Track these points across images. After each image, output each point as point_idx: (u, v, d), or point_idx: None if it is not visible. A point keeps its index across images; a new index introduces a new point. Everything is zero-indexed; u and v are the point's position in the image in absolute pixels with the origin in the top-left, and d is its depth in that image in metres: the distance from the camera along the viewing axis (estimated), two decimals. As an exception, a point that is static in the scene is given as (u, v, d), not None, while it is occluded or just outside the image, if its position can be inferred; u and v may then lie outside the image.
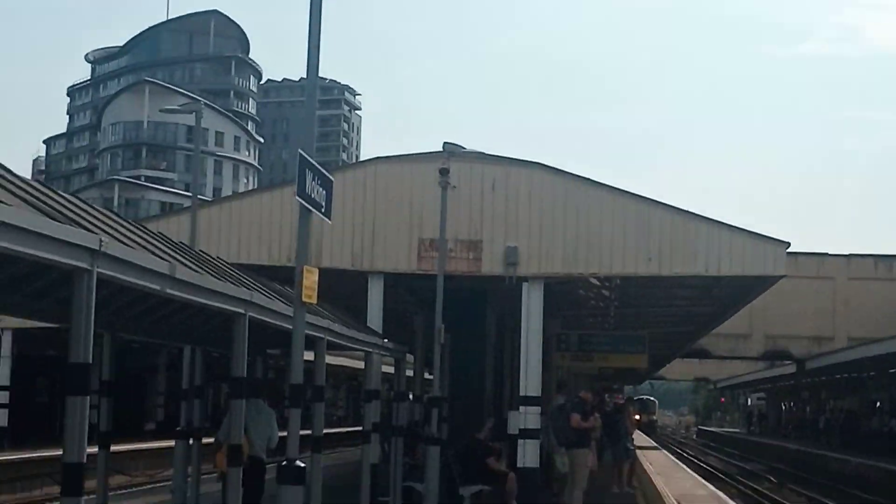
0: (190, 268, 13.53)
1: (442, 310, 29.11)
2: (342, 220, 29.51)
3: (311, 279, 13.77)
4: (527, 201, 29.83)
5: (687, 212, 29.72)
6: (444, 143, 28.12)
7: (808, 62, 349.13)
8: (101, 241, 10.11)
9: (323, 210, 13.96)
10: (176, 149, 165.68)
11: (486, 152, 29.71)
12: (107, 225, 12.59)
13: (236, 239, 30.11)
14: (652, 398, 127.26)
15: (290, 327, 14.82)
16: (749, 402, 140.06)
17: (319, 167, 13.87)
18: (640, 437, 55.44)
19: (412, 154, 30.45)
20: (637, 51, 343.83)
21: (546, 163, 30.20)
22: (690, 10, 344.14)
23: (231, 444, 15.17)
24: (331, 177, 14.43)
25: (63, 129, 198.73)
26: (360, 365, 27.67)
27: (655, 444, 66.22)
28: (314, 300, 14.06)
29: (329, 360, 56.27)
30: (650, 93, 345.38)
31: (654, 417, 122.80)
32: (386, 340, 26.18)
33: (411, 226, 29.91)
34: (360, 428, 27.24)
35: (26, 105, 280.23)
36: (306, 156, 13.22)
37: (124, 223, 14.82)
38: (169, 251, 14.63)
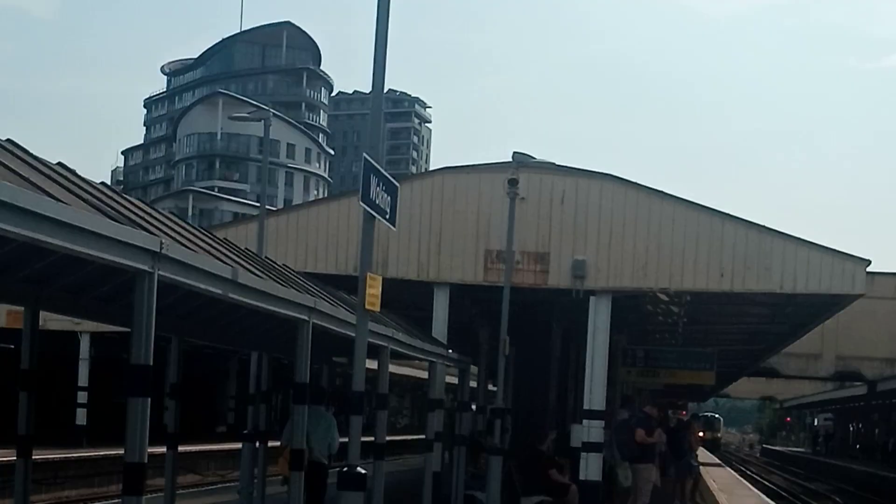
0: (253, 273, 13.42)
1: (507, 322, 28.92)
2: (409, 230, 29.41)
3: (374, 287, 13.60)
4: (596, 213, 29.50)
5: (761, 226, 29.22)
6: (514, 153, 27.90)
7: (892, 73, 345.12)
8: (161, 243, 10.00)
9: (388, 216, 13.78)
10: (249, 160, 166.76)
11: (556, 163, 29.34)
12: (170, 228, 12.51)
13: (303, 247, 30.03)
14: (717, 415, 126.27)
15: (354, 335, 14.67)
16: (816, 423, 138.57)
17: (384, 172, 13.70)
18: (703, 454, 54.87)
19: (480, 164, 30.19)
20: (717, 64, 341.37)
21: (617, 174, 29.85)
22: (773, 22, 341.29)
23: (293, 448, 15.08)
24: (396, 183, 14.27)
25: (140, 141, 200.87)
26: (426, 375, 27.54)
27: (719, 461, 65.50)
28: (377, 308, 13.90)
29: (395, 369, 56.40)
30: (731, 107, 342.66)
31: (719, 435, 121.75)
32: (450, 351, 26.03)
33: (478, 237, 29.68)
34: (423, 436, 27.10)
35: (105, 117, 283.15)
36: (371, 160, 13.04)
37: (188, 227, 14.77)
38: (233, 256, 14.52)
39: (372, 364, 16.64)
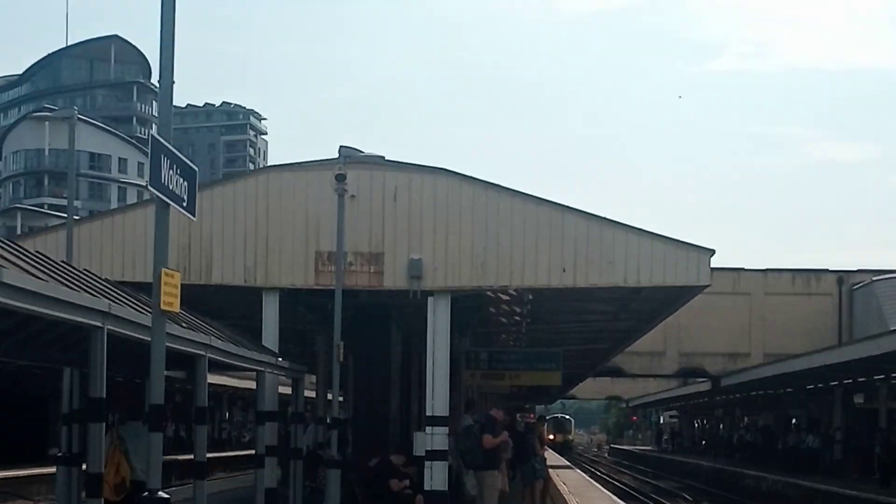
0: (33, 276, 11.68)
1: (343, 327, 27.47)
2: (234, 234, 27.88)
3: (171, 284, 11.85)
4: (431, 210, 28.07)
5: (603, 218, 28.09)
6: (340, 146, 26.33)
7: (719, 77, 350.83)
8: None
9: (184, 204, 12.08)
10: (80, 176, 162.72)
11: (386, 158, 27.77)
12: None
13: (119, 255, 28.02)
14: (567, 416, 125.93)
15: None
16: (661, 420, 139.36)
17: (179, 154, 11.99)
18: (553, 457, 53.85)
19: (307, 162, 28.54)
20: (548, 66, 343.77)
21: (451, 168, 28.44)
22: (610, 26, 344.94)
23: (90, 472, 13.27)
24: (194, 167, 12.57)
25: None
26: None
27: (568, 463, 64.75)
28: (176, 308, 12.17)
29: (238, 382, 54.49)
30: (563, 108, 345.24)
31: (571, 437, 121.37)
32: (280, 360, 24.38)
33: (308, 238, 28.08)
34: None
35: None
36: (162, 140, 11.35)
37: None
38: (16, 261, 12.75)
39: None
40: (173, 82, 11.71)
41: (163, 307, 11.74)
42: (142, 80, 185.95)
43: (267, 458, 23.72)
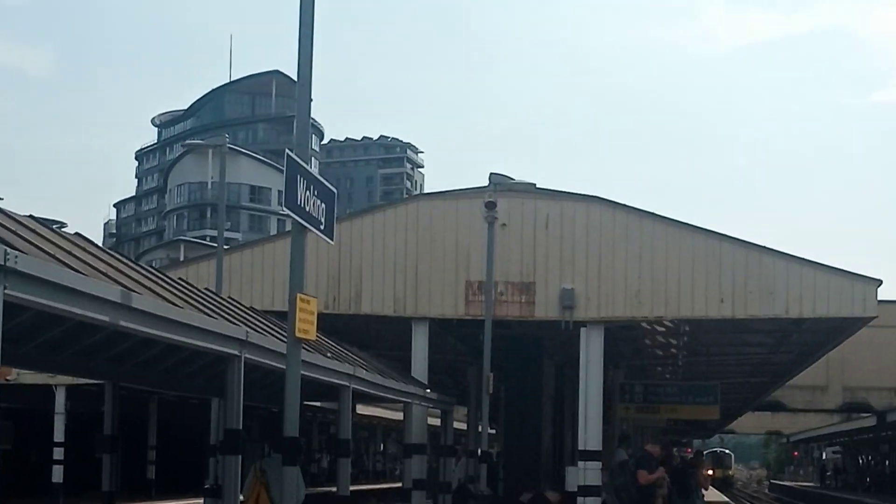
0: (171, 304, 11.37)
1: (494, 358, 26.98)
2: (383, 262, 27.54)
3: (307, 311, 11.42)
4: (583, 239, 27.48)
5: (762, 247, 27.18)
6: (490, 174, 25.90)
7: (885, 107, 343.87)
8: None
9: (322, 227, 11.64)
10: (240, 208, 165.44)
11: (537, 185, 27.23)
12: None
13: (269, 283, 27.86)
14: (727, 451, 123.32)
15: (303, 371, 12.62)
16: (824, 456, 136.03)
17: (317, 175, 11.57)
18: (711, 493, 52.50)
19: (458, 190, 28.14)
20: (705, 98, 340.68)
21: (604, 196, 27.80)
22: (768, 57, 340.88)
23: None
24: (332, 189, 12.15)
25: (132, 193, 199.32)
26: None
27: (728, 500, 63.15)
28: (312, 335, 11.73)
29: (388, 413, 54.05)
30: (722, 140, 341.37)
31: (730, 472, 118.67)
32: (428, 391, 23.91)
33: (458, 267, 27.66)
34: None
35: (98, 171, 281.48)
36: (296, 158, 10.92)
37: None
38: (149, 284, 12.47)
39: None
40: (311, 100, 11.31)
41: (298, 334, 11.31)
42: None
43: (414, 491, 23.22)
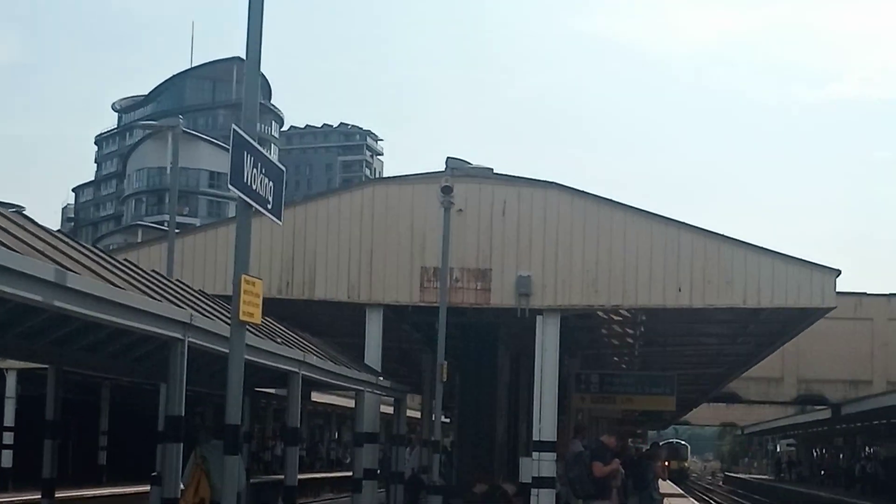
0: (112, 284, 10.94)
1: (448, 346, 26.62)
2: (338, 248, 27.13)
3: (252, 292, 11.00)
4: (541, 225, 27.10)
5: (721, 235, 26.90)
6: (447, 158, 25.51)
7: (838, 104, 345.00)
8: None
9: (269, 206, 11.21)
10: (199, 194, 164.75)
11: (495, 171, 26.86)
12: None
13: (220, 269, 27.31)
14: (683, 442, 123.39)
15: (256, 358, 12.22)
16: (778, 449, 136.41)
17: (264, 152, 11.14)
18: (665, 484, 52.42)
19: (414, 175, 27.72)
20: (664, 100, 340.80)
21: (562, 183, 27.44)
22: (716, 57, 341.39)
23: (164, 496, 12.44)
24: (281, 167, 11.72)
25: (91, 178, 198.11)
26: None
27: (681, 492, 63.10)
28: (257, 319, 11.30)
29: (345, 401, 53.51)
30: (681, 135, 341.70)
31: (686, 463, 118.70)
32: (381, 378, 23.52)
33: (413, 253, 27.26)
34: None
35: (57, 156, 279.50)
36: (244, 134, 10.50)
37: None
38: (91, 265, 12.02)
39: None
40: (260, 74, 10.86)
41: (242, 317, 10.88)
42: (262, 101, 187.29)
43: (365, 481, 22.81)
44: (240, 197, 10.76)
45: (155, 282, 14.43)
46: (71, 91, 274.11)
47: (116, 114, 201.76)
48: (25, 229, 11.13)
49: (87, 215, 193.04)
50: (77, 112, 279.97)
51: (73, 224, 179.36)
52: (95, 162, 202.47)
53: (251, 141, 10.63)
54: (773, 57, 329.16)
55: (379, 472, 26.87)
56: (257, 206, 10.98)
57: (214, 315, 13.99)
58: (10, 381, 43.73)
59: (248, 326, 11.43)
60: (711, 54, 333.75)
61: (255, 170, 10.83)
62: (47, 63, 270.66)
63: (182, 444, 10.91)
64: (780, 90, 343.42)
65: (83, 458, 43.76)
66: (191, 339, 12.03)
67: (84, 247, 13.38)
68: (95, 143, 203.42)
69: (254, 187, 10.84)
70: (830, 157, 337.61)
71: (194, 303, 14.67)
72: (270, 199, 11.27)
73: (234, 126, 10.30)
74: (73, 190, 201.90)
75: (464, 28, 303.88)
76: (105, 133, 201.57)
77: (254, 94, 10.93)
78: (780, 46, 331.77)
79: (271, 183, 11.24)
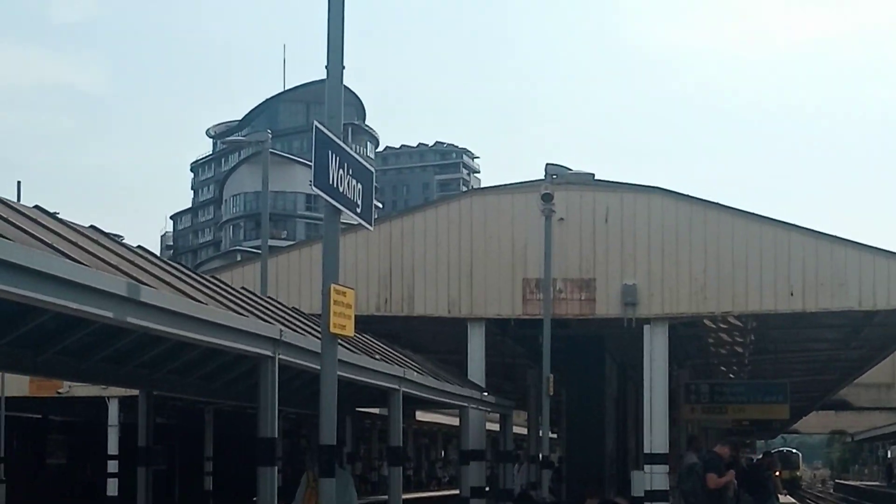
0: (194, 300, 10.27)
1: (553, 359, 25.82)
2: (436, 262, 26.46)
3: (343, 302, 10.26)
4: (645, 232, 26.26)
5: (834, 237, 25.91)
6: (547, 164, 24.70)
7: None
8: None
9: (359, 210, 10.46)
10: (296, 217, 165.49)
11: (596, 176, 26.02)
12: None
13: (314, 287, 26.70)
14: (795, 451, 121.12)
15: (356, 376, 11.52)
16: (889, 455, 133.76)
17: (351, 152, 10.40)
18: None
19: (513, 184, 26.98)
20: (765, 105, 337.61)
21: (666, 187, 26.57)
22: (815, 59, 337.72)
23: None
24: (370, 168, 10.99)
25: (188, 205, 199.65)
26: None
27: (795, 502, 61.68)
28: (350, 331, 10.55)
29: (452, 420, 52.85)
30: (781, 147, 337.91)
31: (799, 472, 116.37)
32: (486, 394, 22.75)
33: (514, 265, 26.52)
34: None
35: (155, 184, 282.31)
36: (326, 130, 9.77)
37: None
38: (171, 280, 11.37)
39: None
40: (343, 67, 10.13)
41: (333, 329, 10.14)
42: (356, 122, 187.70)
43: (472, 499, 22.06)
44: (326, 200, 10.01)
45: (243, 298, 13.78)
46: (166, 119, 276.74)
47: (211, 139, 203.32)
48: (99, 243, 10.52)
49: (186, 242, 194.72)
50: (173, 140, 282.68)
51: (172, 252, 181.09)
52: (192, 189, 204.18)
53: (336, 139, 9.90)
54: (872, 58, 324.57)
55: (487, 489, 26.11)
56: (345, 210, 10.24)
57: (306, 331, 13.28)
58: (113, 409, 43.53)
59: (341, 341, 10.73)
60: (806, 55, 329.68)
61: (341, 171, 10.09)
62: (141, 92, 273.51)
63: (275, 468, 10.18)
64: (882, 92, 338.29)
65: (189, 484, 43.53)
66: (281, 357, 11.34)
67: (163, 261, 12.77)
68: (191, 169, 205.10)
69: (341, 189, 10.10)
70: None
71: (285, 319, 13.99)
72: (359, 202, 10.53)
73: (315, 122, 9.54)
74: (171, 217, 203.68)
75: (550, 43, 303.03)
76: (201, 159, 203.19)
77: (337, 89, 10.18)
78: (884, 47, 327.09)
79: (360, 185, 10.50)
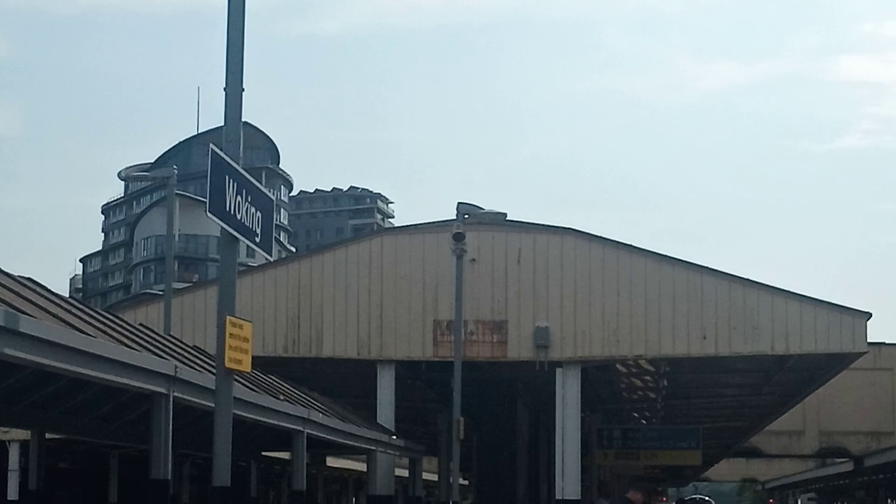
0: (81, 332, 9.68)
1: (465, 403, 25.38)
2: (345, 302, 25.96)
3: (239, 336, 9.71)
4: (558, 274, 25.96)
5: (747, 280, 25.78)
6: (458, 203, 24.27)
7: (844, 156, 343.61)
8: None
9: (258, 239, 9.93)
10: (208, 260, 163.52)
11: (507, 217, 25.61)
12: None
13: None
14: (708, 498, 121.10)
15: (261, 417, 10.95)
16: (800, 503, 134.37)
17: (248, 176, 9.87)
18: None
19: (424, 224, 26.56)
20: (672, 152, 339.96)
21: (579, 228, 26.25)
22: (724, 109, 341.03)
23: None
24: (270, 196, 10.50)
25: (99, 247, 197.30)
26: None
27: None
28: (246, 367, 9.99)
29: (356, 465, 52.17)
30: (688, 193, 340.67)
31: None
32: (394, 437, 22.20)
33: (425, 306, 26.07)
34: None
35: (63, 226, 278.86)
36: (222, 154, 9.25)
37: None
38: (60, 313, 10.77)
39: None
40: (243, 89, 9.60)
41: (228, 364, 9.59)
42: (270, 166, 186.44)
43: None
44: (221, 227, 9.46)
45: (138, 334, 13.14)
46: (76, 161, 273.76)
47: (123, 182, 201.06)
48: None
49: (96, 285, 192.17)
50: (83, 182, 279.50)
51: (81, 294, 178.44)
52: (103, 231, 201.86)
53: (233, 164, 9.38)
54: (778, 109, 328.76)
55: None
56: (242, 238, 9.71)
57: (205, 369, 12.70)
58: (14, 453, 42.32)
59: (241, 379, 10.19)
60: (711, 109, 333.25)
61: (239, 197, 9.56)
62: (51, 133, 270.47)
63: None
64: (786, 141, 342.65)
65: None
66: (177, 394, 10.77)
67: (52, 294, 12.12)
68: (102, 212, 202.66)
69: (238, 217, 9.56)
70: (839, 210, 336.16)
71: (182, 356, 13.40)
72: (258, 230, 9.99)
73: (211, 145, 8.99)
74: (81, 260, 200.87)
75: (473, 89, 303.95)
76: (112, 202, 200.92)
77: (236, 111, 9.65)
78: (787, 98, 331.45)
79: (259, 213, 9.96)
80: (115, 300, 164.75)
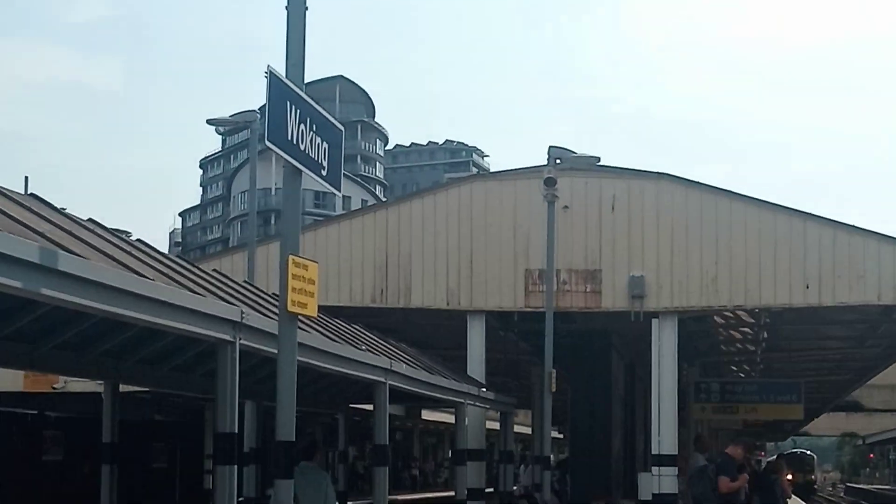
0: (135, 272, 9.01)
1: (558, 355, 24.63)
2: (434, 251, 25.32)
3: (304, 277, 8.99)
4: (654, 221, 25.14)
5: (853, 226, 24.77)
6: (550, 146, 23.42)
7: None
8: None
9: (324, 173, 9.16)
10: (304, 213, 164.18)
11: (601, 162, 24.75)
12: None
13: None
14: (809, 452, 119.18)
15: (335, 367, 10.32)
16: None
17: (315, 104, 9.09)
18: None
19: (515, 169, 25.78)
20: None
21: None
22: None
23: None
24: (339, 126, 9.67)
25: (197, 202, 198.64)
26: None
27: (802, 504, 60.16)
28: (312, 311, 9.26)
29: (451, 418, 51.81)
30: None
31: (813, 476, 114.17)
32: (484, 390, 21.48)
33: (516, 255, 25.36)
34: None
35: (165, 181, 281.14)
36: (284, 79, 8.47)
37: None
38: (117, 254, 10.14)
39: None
40: (306, 8, 8.80)
41: (291, 308, 8.86)
42: (366, 119, 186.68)
43: (469, 502, 20.78)
44: (282, 157, 8.69)
45: (206, 279, 12.46)
46: (176, 116, 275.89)
47: (220, 137, 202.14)
48: (36, 213, 9.27)
49: (195, 239, 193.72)
50: (182, 136, 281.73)
51: (180, 248, 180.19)
52: (201, 185, 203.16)
53: (296, 89, 8.59)
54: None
55: (491, 491, 24.88)
56: (307, 171, 8.94)
57: (266, 312, 12.00)
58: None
59: (317, 327, 9.48)
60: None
61: (302, 125, 8.77)
62: (151, 89, 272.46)
63: (235, 467, 9.80)
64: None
65: (191, 482, 42.53)
66: (243, 342, 10.07)
67: (119, 237, 11.48)
68: (200, 166, 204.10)
69: (302, 147, 8.78)
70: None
71: (253, 301, 12.71)
72: (325, 163, 9.21)
73: (269, 67, 8.19)
74: (180, 214, 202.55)
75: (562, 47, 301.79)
76: (209, 156, 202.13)
77: (299, 31, 8.79)
78: None
79: (326, 144, 9.17)
80: (214, 253, 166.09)
